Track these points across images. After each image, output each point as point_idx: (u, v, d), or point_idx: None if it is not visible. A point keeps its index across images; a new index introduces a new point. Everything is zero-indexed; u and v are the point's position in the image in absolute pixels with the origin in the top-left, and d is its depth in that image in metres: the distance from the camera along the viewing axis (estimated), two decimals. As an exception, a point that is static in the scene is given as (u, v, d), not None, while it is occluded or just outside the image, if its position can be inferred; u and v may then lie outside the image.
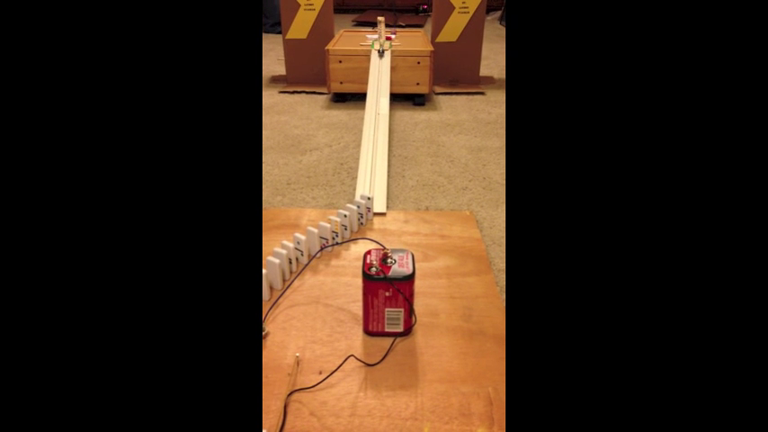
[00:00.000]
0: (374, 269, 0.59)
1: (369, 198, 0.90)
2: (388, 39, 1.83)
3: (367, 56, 1.67)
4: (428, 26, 3.39)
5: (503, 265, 0.82)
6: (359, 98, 1.74)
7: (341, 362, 0.57)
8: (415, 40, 1.89)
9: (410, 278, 0.59)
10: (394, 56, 1.66)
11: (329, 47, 1.69)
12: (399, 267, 0.59)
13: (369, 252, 0.62)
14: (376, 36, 1.88)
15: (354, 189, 1.07)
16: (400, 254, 0.62)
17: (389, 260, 0.60)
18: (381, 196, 0.98)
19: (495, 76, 2.16)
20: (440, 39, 1.89)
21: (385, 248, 0.62)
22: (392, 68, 1.64)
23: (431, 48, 1.70)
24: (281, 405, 0.51)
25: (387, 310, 0.60)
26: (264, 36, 3.27)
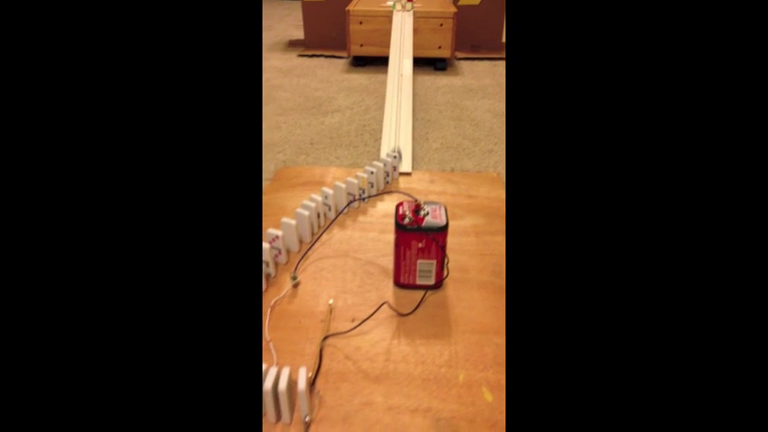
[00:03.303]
0: (407, 219, 0.58)
1: (397, 155, 0.88)
2: (410, 0, 1.78)
3: (388, 17, 1.63)
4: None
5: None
6: (379, 62, 1.71)
7: (373, 311, 0.57)
8: (437, 2, 1.84)
9: (444, 229, 0.58)
10: (416, 17, 1.62)
11: (350, 7, 1.65)
12: (433, 219, 0.58)
13: (401, 204, 0.61)
14: (397, -2, 1.83)
15: (378, 150, 1.05)
16: (433, 206, 0.61)
17: (422, 211, 0.59)
18: (407, 156, 0.97)
19: (518, 42, 2.10)
20: (462, 1, 1.83)
21: (417, 200, 0.61)
22: (414, 30, 1.60)
23: (454, 9, 1.65)
24: (316, 349, 0.51)
25: (419, 261, 0.60)
26: (280, 2, 3.20)
